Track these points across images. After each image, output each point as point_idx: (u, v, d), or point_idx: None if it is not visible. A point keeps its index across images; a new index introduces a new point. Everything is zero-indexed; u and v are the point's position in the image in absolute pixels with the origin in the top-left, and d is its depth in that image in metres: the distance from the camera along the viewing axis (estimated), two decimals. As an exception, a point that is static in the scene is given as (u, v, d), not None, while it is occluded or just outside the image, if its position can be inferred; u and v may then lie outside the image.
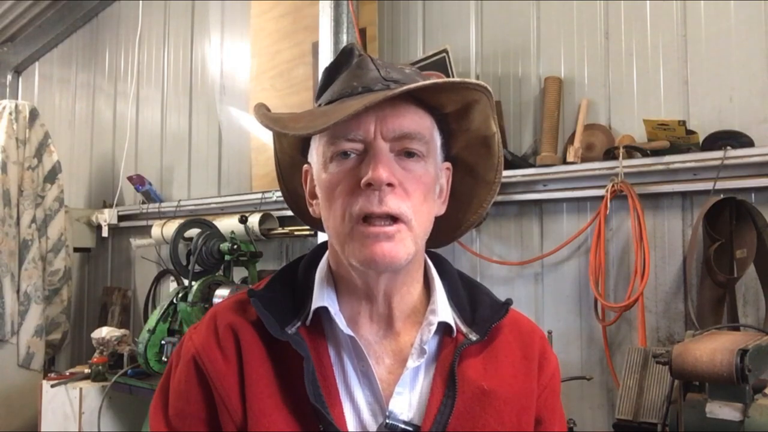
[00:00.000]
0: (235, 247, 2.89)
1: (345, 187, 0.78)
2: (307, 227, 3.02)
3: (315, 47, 2.89)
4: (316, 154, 0.84)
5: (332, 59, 0.88)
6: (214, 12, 3.89)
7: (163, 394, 0.87)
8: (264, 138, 3.50)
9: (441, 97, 0.81)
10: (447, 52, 2.53)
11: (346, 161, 0.79)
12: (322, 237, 2.75)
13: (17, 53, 5.77)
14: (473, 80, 0.78)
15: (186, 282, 2.89)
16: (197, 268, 2.93)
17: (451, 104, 0.83)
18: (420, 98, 0.81)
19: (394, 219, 0.77)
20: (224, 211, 3.53)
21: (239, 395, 0.80)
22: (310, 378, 0.78)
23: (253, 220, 3.11)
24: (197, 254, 2.90)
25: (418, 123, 0.80)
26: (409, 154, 0.79)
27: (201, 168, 3.94)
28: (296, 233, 3.11)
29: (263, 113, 0.85)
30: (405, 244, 0.78)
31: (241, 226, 3.03)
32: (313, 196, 0.88)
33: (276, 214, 3.21)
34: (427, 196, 0.81)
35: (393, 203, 0.76)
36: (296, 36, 3.26)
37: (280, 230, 3.17)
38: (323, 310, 0.83)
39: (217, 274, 2.98)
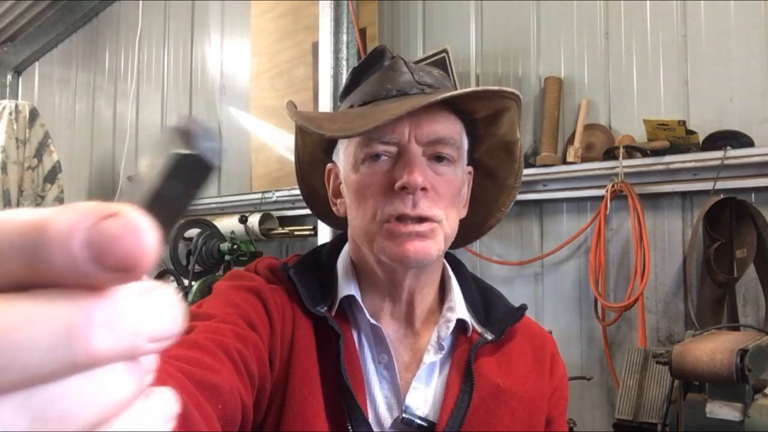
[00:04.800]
0: (235, 247, 2.89)
1: (377, 189, 0.79)
2: (308, 227, 3.02)
3: (315, 47, 2.89)
4: (344, 154, 0.84)
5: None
6: (214, 12, 3.89)
7: (240, 288, 0.82)
8: (264, 138, 3.50)
9: (475, 103, 0.82)
10: (447, 52, 2.53)
11: (378, 163, 0.79)
12: (322, 237, 2.75)
13: (17, 53, 5.77)
14: (508, 89, 0.79)
15: (186, 282, 2.89)
16: (197, 268, 2.93)
17: (482, 111, 0.84)
18: (452, 104, 0.82)
19: (425, 219, 0.78)
20: (224, 211, 3.53)
21: (288, 352, 0.80)
22: (343, 357, 0.79)
23: (253, 220, 3.11)
24: (197, 254, 2.90)
25: (451, 128, 0.81)
26: (440, 158, 0.80)
27: (201, 168, 3.93)
28: (296, 233, 3.11)
29: (296, 111, 0.85)
30: (437, 241, 0.79)
31: (241, 226, 3.03)
32: (337, 195, 0.88)
33: (276, 214, 3.21)
34: (455, 200, 0.82)
35: (426, 207, 0.77)
36: (296, 36, 3.26)
37: (280, 230, 3.17)
38: (347, 300, 0.84)
39: (217, 274, 2.98)
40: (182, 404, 0.56)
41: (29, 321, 0.20)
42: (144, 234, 0.21)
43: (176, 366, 0.61)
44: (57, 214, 0.20)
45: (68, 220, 0.20)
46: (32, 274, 0.20)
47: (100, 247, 0.20)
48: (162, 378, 0.56)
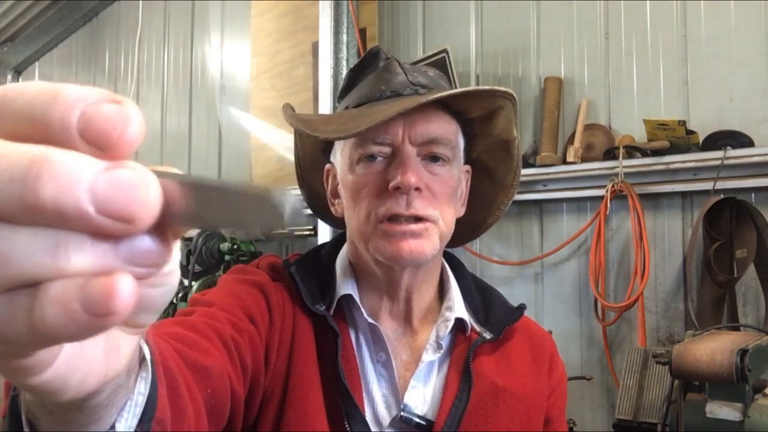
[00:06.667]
0: (235, 247, 2.89)
1: (372, 190, 0.79)
2: (308, 227, 3.02)
3: (315, 47, 2.89)
4: (341, 155, 0.85)
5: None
6: (214, 12, 3.89)
7: (244, 282, 0.83)
8: (264, 138, 3.50)
9: (468, 103, 0.82)
10: (447, 52, 2.52)
11: (373, 164, 0.80)
12: (322, 237, 2.75)
13: (17, 53, 5.77)
14: (501, 88, 0.79)
15: (186, 282, 2.89)
16: (197, 268, 2.93)
17: (476, 110, 0.84)
18: (447, 103, 0.82)
19: (419, 219, 0.78)
20: (224, 211, 3.53)
21: (288, 349, 0.80)
22: (340, 356, 0.79)
23: (253, 220, 3.11)
24: (197, 254, 2.90)
25: (445, 128, 0.81)
26: (435, 158, 0.81)
27: (201, 168, 3.94)
28: (296, 233, 3.10)
29: (292, 114, 0.86)
30: (432, 240, 0.79)
31: (241, 226, 3.02)
32: (335, 195, 0.89)
33: (276, 214, 3.21)
34: (451, 199, 0.83)
35: (420, 206, 0.78)
36: (296, 36, 3.26)
37: (279, 230, 3.16)
38: (345, 300, 0.85)
39: (216, 274, 2.98)
40: (174, 380, 0.56)
41: (3, 154, 0.23)
42: (131, 121, 0.23)
43: (171, 345, 0.61)
44: (72, 87, 0.23)
45: (78, 91, 0.23)
46: (34, 132, 0.23)
47: (90, 119, 0.23)
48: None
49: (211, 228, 0.23)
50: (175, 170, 0.26)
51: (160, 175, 0.25)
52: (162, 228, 0.26)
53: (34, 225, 0.23)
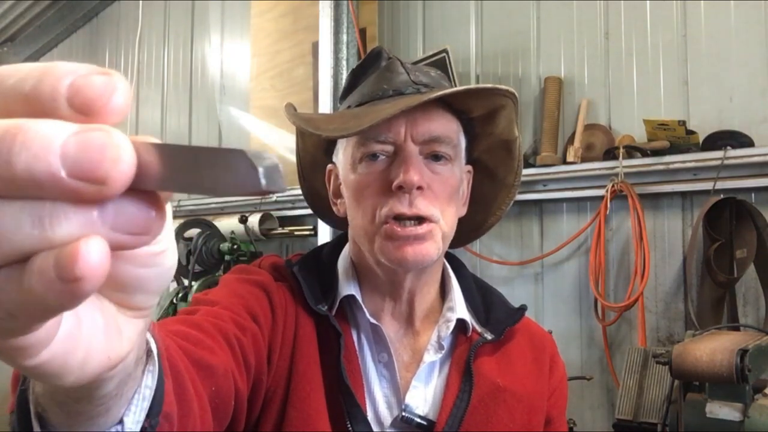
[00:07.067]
0: (235, 247, 2.89)
1: (374, 189, 0.79)
2: (308, 227, 3.02)
3: (315, 47, 2.89)
4: (343, 154, 0.85)
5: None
6: (214, 12, 3.89)
7: (246, 281, 0.83)
8: (264, 138, 3.50)
9: (470, 102, 0.83)
10: (447, 52, 2.53)
11: (375, 163, 0.80)
12: (322, 237, 2.75)
13: (17, 53, 5.77)
14: (503, 86, 0.79)
15: (186, 282, 2.89)
16: (197, 268, 2.93)
17: (478, 109, 0.84)
18: (448, 102, 0.82)
19: (422, 219, 0.78)
20: (224, 211, 3.53)
21: (290, 349, 0.80)
22: (343, 356, 0.80)
23: (253, 220, 3.11)
24: (197, 254, 2.90)
25: (447, 127, 0.81)
26: (437, 157, 0.81)
27: (201, 168, 3.94)
28: (296, 233, 3.10)
29: (294, 113, 0.86)
30: (435, 241, 0.79)
31: (241, 226, 3.03)
32: (338, 195, 0.89)
33: (276, 214, 3.21)
34: (453, 198, 0.83)
35: (422, 206, 0.77)
36: (296, 36, 3.26)
37: (280, 230, 3.17)
38: (347, 300, 0.85)
39: (216, 274, 2.98)
40: (180, 376, 0.56)
41: None
42: (117, 90, 0.24)
43: (176, 342, 0.61)
44: (63, 63, 0.24)
45: (69, 65, 0.24)
46: (25, 108, 0.24)
47: (78, 88, 0.24)
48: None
49: (190, 191, 0.23)
50: (153, 139, 0.26)
51: (135, 140, 0.25)
52: (145, 193, 0.26)
53: (20, 199, 0.23)
